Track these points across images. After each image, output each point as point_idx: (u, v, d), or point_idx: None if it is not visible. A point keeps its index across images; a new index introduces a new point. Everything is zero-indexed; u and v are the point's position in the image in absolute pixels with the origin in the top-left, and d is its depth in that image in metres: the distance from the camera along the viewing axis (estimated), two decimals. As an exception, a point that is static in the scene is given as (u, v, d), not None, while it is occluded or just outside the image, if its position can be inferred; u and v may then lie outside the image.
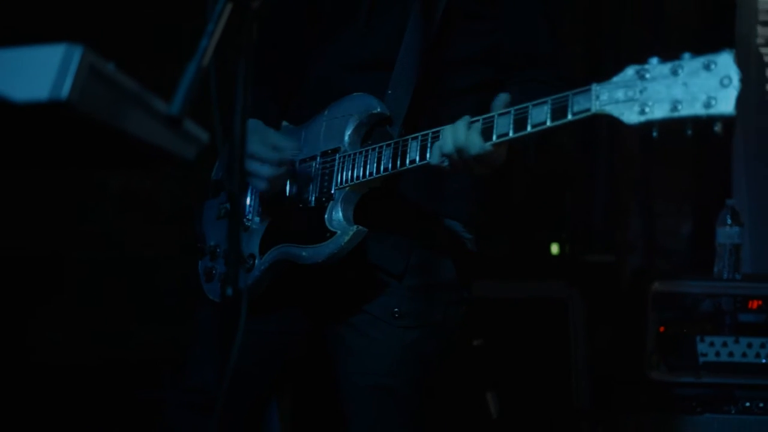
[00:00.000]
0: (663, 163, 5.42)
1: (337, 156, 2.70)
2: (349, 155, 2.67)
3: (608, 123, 2.41)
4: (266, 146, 2.71)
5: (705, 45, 2.23)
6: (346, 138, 2.71)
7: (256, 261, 2.78)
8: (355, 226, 2.62)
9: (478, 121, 2.43)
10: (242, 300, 1.84)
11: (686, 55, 2.15)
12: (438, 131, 2.50)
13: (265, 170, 2.70)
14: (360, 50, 2.80)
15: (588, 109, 2.24)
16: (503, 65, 2.84)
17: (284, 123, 2.92)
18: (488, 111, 2.49)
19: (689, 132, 2.17)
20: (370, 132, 2.72)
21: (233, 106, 1.78)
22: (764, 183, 5.02)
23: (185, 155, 1.68)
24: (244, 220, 2.85)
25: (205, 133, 1.70)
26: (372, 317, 2.74)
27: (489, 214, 2.91)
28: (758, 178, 5.03)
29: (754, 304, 4.17)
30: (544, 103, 2.32)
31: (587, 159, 5.46)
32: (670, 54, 2.23)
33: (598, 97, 2.23)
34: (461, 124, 2.44)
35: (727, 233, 4.33)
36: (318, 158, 2.75)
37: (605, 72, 2.28)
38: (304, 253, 2.68)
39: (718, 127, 2.12)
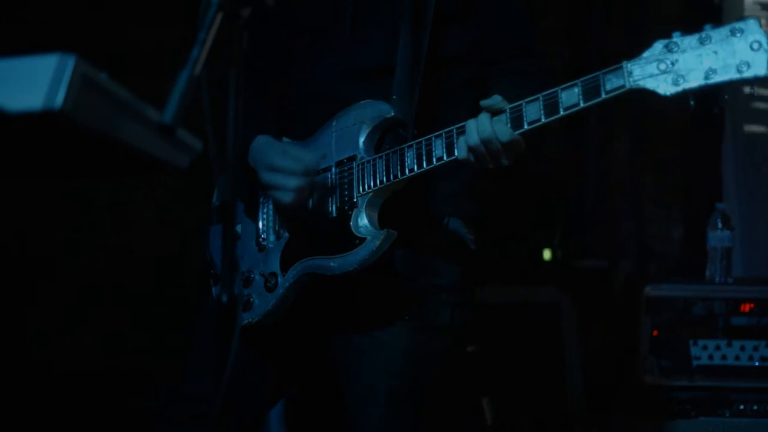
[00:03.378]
0: (653, 168, 5.44)
1: (354, 164, 2.70)
2: (368, 161, 2.68)
3: (597, 126, 2.44)
4: (288, 158, 2.70)
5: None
6: (361, 145, 2.70)
7: (279, 279, 2.76)
8: (385, 230, 2.61)
9: (504, 112, 2.46)
10: (237, 306, 1.84)
11: (708, 26, 2.28)
12: (462, 126, 2.53)
13: (292, 182, 2.68)
14: (353, 59, 2.80)
15: (622, 86, 2.34)
16: (489, 59, 2.86)
17: (285, 139, 2.90)
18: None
19: (692, 102, 2.31)
20: (382, 138, 2.73)
21: (226, 114, 1.78)
22: (754, 186, 5.04)
23: (178, 164, 1.68)
24: (260, 240, 2.85)
25: (198, 142, 1.71)
26: (381, 320, 2.75)
27: (489, 213, 2.92)
28: (748, 181, 5.04)
29: (746, 307, 4.18)
30: (574, 85, 2.38)
31: (577, 164, 5.47)
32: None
33: (631, 74, 2.33)
34: (484, 117, 2.47)
35: (718, 237, 4.34)
36: (333, 168, 2.74)
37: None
38: (332, 264, 2.65)
39: (752, 89, 2.31)
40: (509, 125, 2.46)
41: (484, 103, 2.49)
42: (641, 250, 5.39)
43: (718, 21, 4.95)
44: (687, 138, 5.37)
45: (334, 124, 2.78)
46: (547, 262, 4.98)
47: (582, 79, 2.38)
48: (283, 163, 2.69)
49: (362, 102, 2.74)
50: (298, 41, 2.92)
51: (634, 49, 2.34)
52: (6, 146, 1.58)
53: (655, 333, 4.19)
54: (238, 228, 2.92)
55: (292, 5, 2.92)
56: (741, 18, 2.28)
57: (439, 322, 2.78)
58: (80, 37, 4.99)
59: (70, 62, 1.42)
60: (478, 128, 2.47)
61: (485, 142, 2.46)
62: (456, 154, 2.53)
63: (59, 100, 1.40)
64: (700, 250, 4.47)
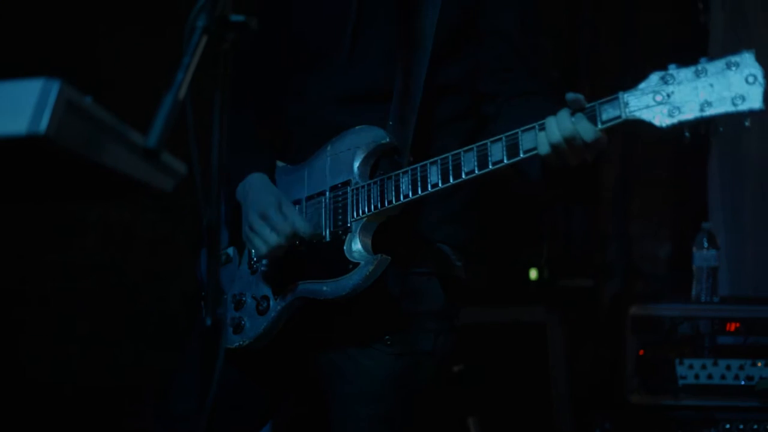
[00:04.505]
0: (639, 187, 5.46)
1: (349, 189, 2.70)
2: (363, 186, 2.67)
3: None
4: (280, 215, 2.69)
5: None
6: (356, 170, 2.70)
7: (271, 302, 2.76)
8: (379, 255, 2.61)
9: (582, 110, 2.40)
10: (222, 329, 1.84)
11: (703, 59, 2.28)
12: (471, 148, 2.51)
13: (273, 238, 2.68)
14: (350, 84, 2.79)
15: (618, 116, 2.34)
16: (489, 82, 2.83)
17: (279, 163, 2.91)
18: (477, 133, 2.68)
19: (687, 134, 2.30)
20: (377, 163, 2.72)
21: (211, 137, 1.79)
22: (739, 205, 5.05)
23: (163, 187, 1.69)
24: (252, 263, 2.84)
25: (182, 165, 1.72)
26: (364, 344, 2.74)
27: (480, 240, 2.91)
28: (734, 201, 5.05)
29: (732, 327, 4.19)
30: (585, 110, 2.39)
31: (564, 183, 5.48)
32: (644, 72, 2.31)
33: (627, 105, 2.33)
34: (564, 114, 2.40)
35: (703, 256, 4.36)
36: (327, 193, 2.74)
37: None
38: (325, 288, 2.65)
39: (748, 122, 2.24)
40: (589, 123, 2.39)
41: (569, 96, 2.40)
42: (628, 270, 5.40)
43: (705, 44, 5.02)
44: (673, 157, 5.39)
45: (328, 148, 2.78)
46: (533, 282, 4.99)
47: (588, 105, 2.39)
48: (275, 218, 2.68)
49: (357, 127, 2.74)
50: (295, 65, 2.92)
51: (624, 66, 2.36)
52: (-9, 170, 1.59)
53: (641, 352, 4.20)
54: (230, 251, 2.92)
55: (290, 30, 2.93)
56: (740, 51, 2.28)
57: (421, 348, 2.77)
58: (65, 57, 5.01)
59: (55, 87, 1.43)
60: (559, 126, 2.39)
61: (568, 140, 2.39)
62: (537, 150, 2.44)
63: (44, 124, 1.40)
64: (686, 269, 4.48)
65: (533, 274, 5.00)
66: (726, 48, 5.01)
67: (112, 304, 5.35)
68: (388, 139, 2.69)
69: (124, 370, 5.31)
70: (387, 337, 2.73)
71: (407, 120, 2.72)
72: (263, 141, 2.95)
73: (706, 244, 4.36)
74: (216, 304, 1.82)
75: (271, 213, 2.69)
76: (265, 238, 2.69)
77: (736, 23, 5.06)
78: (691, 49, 5.11)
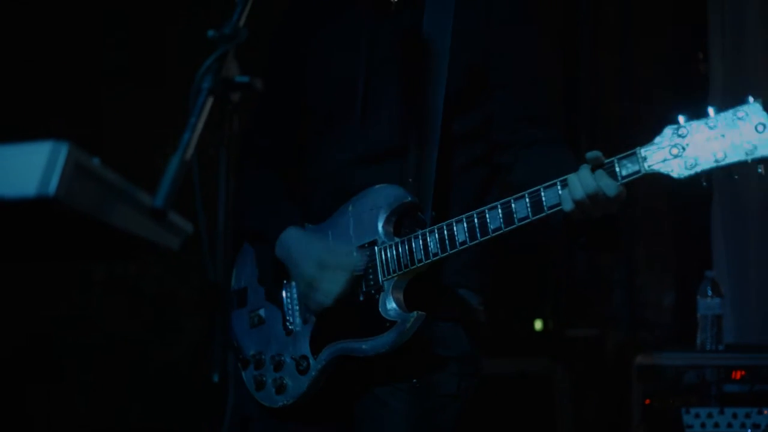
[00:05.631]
0: (643, 235, 5.47)
1: (376, 248, 2.77)
2: (390, 246, 2.75)
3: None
4: (337, 254, 2.79)
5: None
6: (380, 230, 2.77)
7: (311, 361, 2.83)
8: (415, 312, 2.69)
9: (602, 166, 2.50)
10: (229, 385, 1.85)
11: (711, 110, 2.41)
12: (494, 205, 2.61)
13: (342, 277, 2.77)
14: (365, 143, 2.86)
15: (638, 171, 2.47)
16: (501, 130, 2.89)
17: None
18: (491, 179, 2.81)
19: (705, 183, 2.44)
20: (400, 220, 2.80)
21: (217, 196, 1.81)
22: (743, 251, 5.05)
23: (170, 246, 1.71)
24: (286, 323, 2.91)
25: (189, 224, 1.74)
26: (393, 387, 2.80)
27: (500, 284, 3.00)
28: (737, 246, 5.05)
29: (738, 375, 4.19)
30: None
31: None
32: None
33: (645, 159, 2.45)
34: (585, 172, 2.50)
35: (708, 305, 4.36)
36: (355, 253, 2.80)
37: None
38: (364, 346, 2.74)
39: (761, 169, 2.38)
40: (610, 179, 2.49)
41: (589, 155, 2.51)
42: (632, 319, 5.40)
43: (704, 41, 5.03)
44: (677, 206, 5.40)
45: (350, 209, 2.84)
46: (538, 332, 4.99)
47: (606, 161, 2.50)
48: (335, 260, 2.78)
49: (377, 186, 2.81)
50: (311, 128, 2.99)
51: (627, 123, 2.41)
52: (0, 230, 1.60)
53: (647, 401, 4.20)
54: (262, 312, 2.98)
55: (304, 93, 2.99)
56: (746, 100, 2.40)
57: (447, 392, 2.83)
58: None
59: (63, 149, 1.44)
60: (582, 183, 2.49)
61: (591, 197, 2.49)
62: (561, 206, 2.54)
63: (53, 186, 1.42)
64: (691, 317, 4.48)
65: (538, 324, 5.00)
66: (727, 94, 5.05)
67: (118, 358, 5.35)
68: (409, 198, 2.76)
69: (129, 425, 5.31)
70: (414, 380, 2.79)
71: (426, 175, 2.79)
72: (288, 196, 3.01)
73: (710, 293, 4.37)
74: (224, 360, 1.83)
75: (329, 258, 2.78)
76: (331, 284, 2.77)
77: (736, 69, 5.10)
78: (692, 98, 5.16)
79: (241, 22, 1.90)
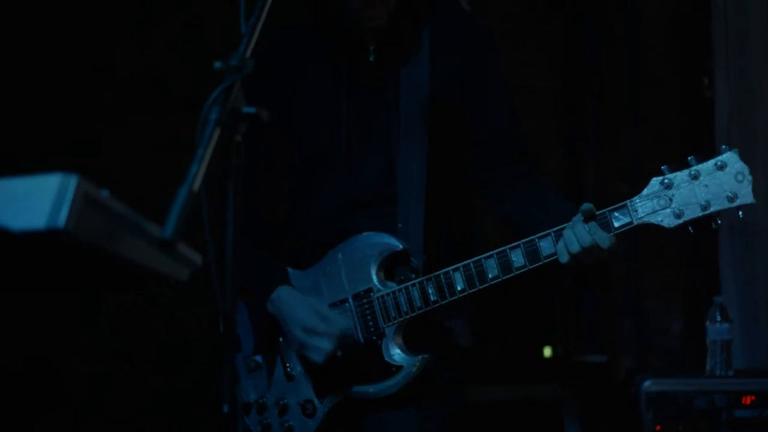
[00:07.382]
0: (651, 261, 5.46)
1: (373, 296, 2.84)
2: (388, 294, 2.82)
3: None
4: (319, 317, 2.84)
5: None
6: (374, 278, 2.85)
7: (317, 405, 2.91)
8: (420, 356, 2.81)
9: (594, 218, 2.64)
10: (239, 415, 1.86)
11: (692, 159, 2.63)
12: (491, 255, 2.73)
13: (327, 345, 2.82)
14: (352, 189, 2.90)
15: (630, 222, 2.65)
16: (486, 168, 3.00)
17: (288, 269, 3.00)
18: (476, 217, 2.95)
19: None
20: (392, 267, 2.86)
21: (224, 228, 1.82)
22: (752, 277, 5.04)
23: (178, 277, 1.72)
24: (286, 369, 2.95)
25: (197, 255, 1.74)
26: (398, 409, 2.88)
27: (489, 310, 3.09)
28: (746, 271, 5.04)
29: (748, 400, 4.17)
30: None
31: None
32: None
33: (636, 211, 2.63)
34: (579, 225, 2.64)
35: (717, 330, 4.35)
36: (350, 300, 2.87)
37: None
38: (371, 390, 2.84)
39: (741, 214, 2.61)
40: (603, 232, 2.64)
41: (583, 208, 2.65)
42: (641, 345, 5.39)
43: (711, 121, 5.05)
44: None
45: (339, 257, 2.89)
46: (547, 359, 4.97)
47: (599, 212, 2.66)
48: (320, 327, 2.83)
49: (366, 234, 2.87)
50: (299, 167, 3.01)
51: (628, 83, 2.44)
52: (10, 262, 1.61)
53: (657, 428, 4.18)
54: (258, 358, 3.01)
55: (293, 131, 2.99)
56: (724, 151, 2.63)
57: (449, 410, 2.96)
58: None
59: (73, 182, 1.44)
60: (578, 237, 2.64)
61: (586, 249, 2.63)
62: (558, 257, 2.68)
63: (62, 219, 1.42)
64: (700, 342, 4.47)
65: (547, 351, 4.99)
66: (732, 123, 5.05)
67: (126, 389, 5.34)
68: (401, 246, 2.82)
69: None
70: (416, 402, 2.87)
71: (415, 219, 2.86)
72: (274, 251, 3.04)
73: (719, 318, 4.36)
74: (232, 390, 1.83)
75: (315, 323, 2.83)
76: (319, 349, 2.83)
77: (740, 96, 5.10)
78: (698, 130, 5.18)
79: (248, 53, 1.91)
